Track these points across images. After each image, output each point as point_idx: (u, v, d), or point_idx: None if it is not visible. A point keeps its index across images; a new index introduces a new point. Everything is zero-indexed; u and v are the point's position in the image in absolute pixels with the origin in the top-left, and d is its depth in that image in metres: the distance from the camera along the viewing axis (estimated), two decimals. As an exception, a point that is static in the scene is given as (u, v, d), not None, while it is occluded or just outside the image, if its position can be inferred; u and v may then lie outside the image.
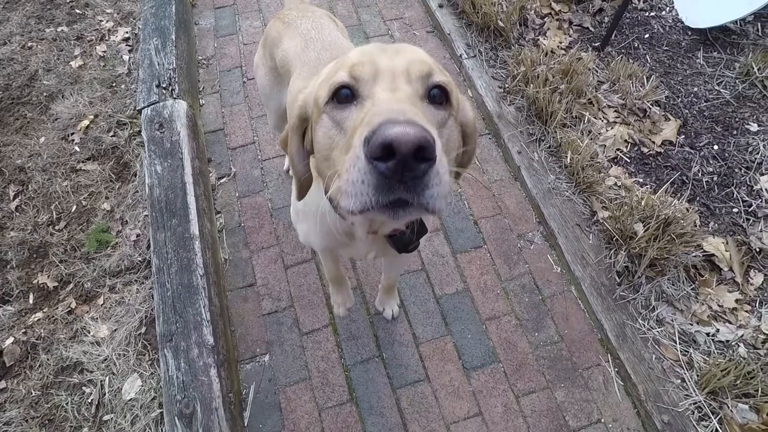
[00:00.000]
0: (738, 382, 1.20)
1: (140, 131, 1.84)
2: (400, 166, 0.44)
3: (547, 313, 1.48)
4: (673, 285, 1.43)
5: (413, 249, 0.85)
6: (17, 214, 1.75)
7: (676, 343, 1.33)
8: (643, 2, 2.29)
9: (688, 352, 1.31)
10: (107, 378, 1.40)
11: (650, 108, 1.87)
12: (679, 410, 1.22)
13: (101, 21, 2.35)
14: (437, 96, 0.59)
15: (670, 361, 1.31)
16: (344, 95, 0.57)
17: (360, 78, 0.57)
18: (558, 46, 2.08)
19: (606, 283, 1.46)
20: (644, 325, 1.37)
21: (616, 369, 1.36)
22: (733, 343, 1.31)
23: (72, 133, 1.94)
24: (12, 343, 1.47)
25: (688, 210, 1.52)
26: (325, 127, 0.60)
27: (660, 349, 1.33)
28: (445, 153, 0.55)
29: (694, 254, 1.45)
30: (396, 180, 0.45)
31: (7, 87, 2.11)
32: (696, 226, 1.51)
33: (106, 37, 2.28)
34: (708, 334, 1.33)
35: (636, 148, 1.79)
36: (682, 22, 2.18)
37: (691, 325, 1.36)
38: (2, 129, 1.99)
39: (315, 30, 1.16)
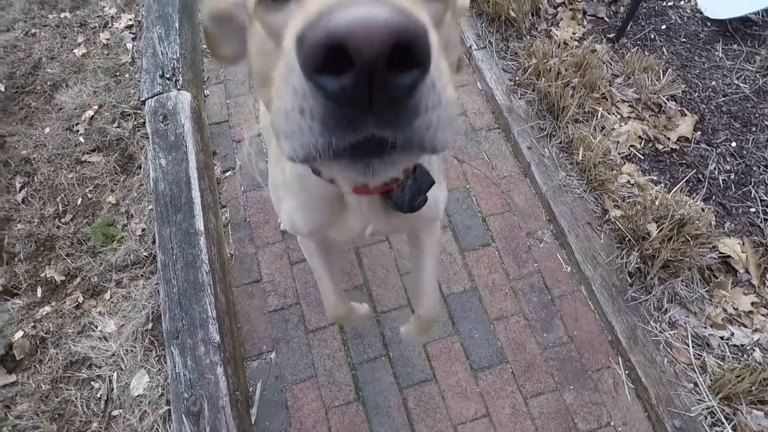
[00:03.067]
0: (753, 388, 1.18)
1: (144, 122, 1.82)
2: (364, 81, 0.26)
3: (557, 313, 1.46)
4: (686, 287, 1.40)
5: (420, 205, 0.62)
6: (23, 206, 1.74)
7: (688, 346, 1.31)
8: (662, -9, 2.21)
9: (701, 355, 1.29)
10: (115, 373, 1.40)
11: (666, 103, 1.81)
12: (691, 415, 1.20)
13: (104, 7, 2.31)
14: None
15: (683, 365, 1.29)
16: None
17: None
18: (571, 38, 2.02)
19: (617, 283, 1.44)
20: (656, 328, 1.35)
21: (627, 372, 1.34)
22: (748, 348, 1.29)
23: (76, 124, 1.92)
24: (21, 336, 1.48)
25: (703, 210, 1.48)
26: (257, 39, 0.43)
27: (672, 352, 1.31)
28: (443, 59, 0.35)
29: (709, 255, 1.42)
30: (360, 108, 0.27)
31: (11, 75, 2.08)
32: (711, 226, 1.48)
33: (110, 24, 2.24)
34: (722, 338, 1.31)
35: (650, 145, 1.75)
36: (701, 13, 2.10)
37: (705, 328, 1.33)
38: (7, 119, 1.97)
39: None
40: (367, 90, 0.26)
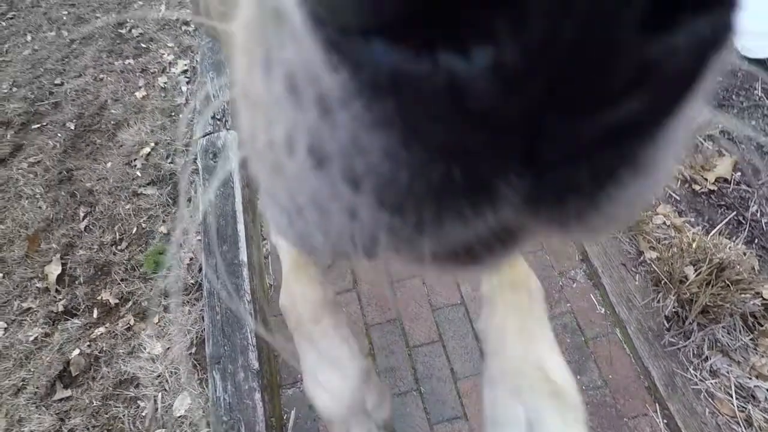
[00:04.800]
0: (803, 446, 1.12)
1: (196, 159, 1.98)
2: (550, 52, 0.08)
3: (590, 355, 1.44)
4: (728, 334, 1.36)
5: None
6: (86, 233, 1.91)
7: (732, 397, 1.26)
8: (694, 31, 2.23)
9: (746, 408, 1.24)
10: (160, 394, 1.49)
11: (702, 143, 1.80)
12: (736, 472, 1.15)
13: (163, 54, 2.56)
14: None
15: (726, 417, 1.24)
16: None
17: None
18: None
19: (654, 327, 1.41)
20: (696, 375, 1.31)
21: (665, 421, 1.30)
22: (797, 402, 1.23)
23: (135, 159, 2.11)
24: (78, 354, 1.60)
25: (745, 254, 1.45)
26: None
27: (714, 402, 1.26)
28: None
29: (752, 302, 1.38)
30: (509, 134, 0.10)
31: (80, 116, 2.33)
32: (755, 271, 1.44)
33: (167, 70, 2.47)
34: (768, 390, 1.26)
35: (686, 186, 1.73)
36: (738, 52, 2.09)
37: (750, 378, 1.28)
38: (75, 154, 2.19)
39: None
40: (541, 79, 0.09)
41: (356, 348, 0.57)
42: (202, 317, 1.56)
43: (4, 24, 2.85)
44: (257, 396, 1.36)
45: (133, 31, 2.68)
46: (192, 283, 1.69)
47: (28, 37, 2.75)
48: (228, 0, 0.20)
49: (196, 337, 1.56)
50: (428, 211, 0.11)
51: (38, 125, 2.30)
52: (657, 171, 0.12)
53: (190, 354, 1.54)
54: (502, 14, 0.08)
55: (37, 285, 1.78)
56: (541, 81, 0.09)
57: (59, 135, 2.25)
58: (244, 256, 1.59)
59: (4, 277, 1.80)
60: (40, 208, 1.99)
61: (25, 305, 1.73)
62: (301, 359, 0.55)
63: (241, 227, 1.65)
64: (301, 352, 0.55)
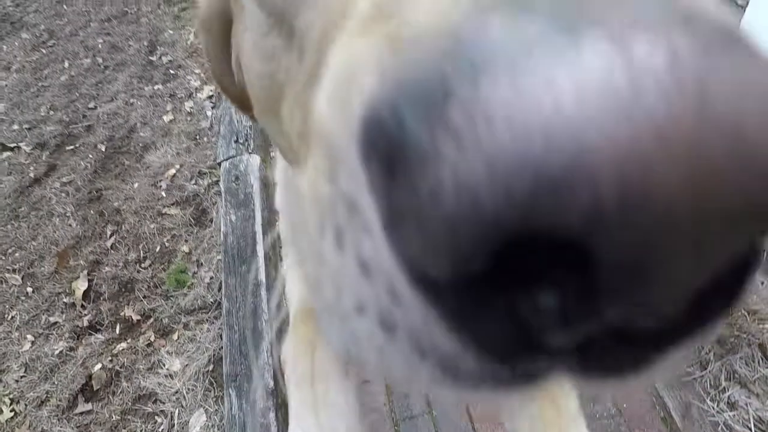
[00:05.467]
0: (827, 484, 1.09)
1: (218, 181, 2.06)
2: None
3: (604, 383, 1.43)
4: (746, 365, 1.34)
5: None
6: (112, 251, 1.99)
7: (750, 430, 1.23)
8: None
9: (765, 442, 1.21)
10: (177, 410, 1.52)
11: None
12: None
13: (190, 80, 2.70)
14: None
15: (745, 451, 1.21)
16: None
17: None
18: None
19: (669, 356, 1.40)
20: (713, 407, 1.29)
21: (682, 453, 1.28)
22: (819, 438, 1.20)
23: (160, 180, 2.21)
24: (100, 369, 1.66)
25: (762, 283, 1.44)
26: (254, 32, 0.26)
27: (732, 435, 1.24)
28: None
29: (769, 332, 1.37)
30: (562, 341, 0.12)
31: (110, 138, 2.46)
32: (771, 301, 1.42)
33: (193, 95, 2.61)
34: (789, 425, 1.23)
35: (700, 212, 1.73)
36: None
37: (769, 411, 1.26)
38: (105, 175, 2.30)
39: None
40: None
41: (356, 408, 0.49)
42: (221, 335, 1.60)
43: (44, 51, 3.05)
44: (271, 415, 1.38)
45: (163, 58, 2.84)
46: (211, 302, 1.74)
47: (66, 64, 2.93)
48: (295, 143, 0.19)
49: (214, 355, 1.60)
50: (483, 385, 0.13)
51: (72, 147, 2.43)
52: (691, 347, 0.13)
53: (208, 371, 1.58)
54: (573, 276, 0.09)
55: (65, 300, 1.85)
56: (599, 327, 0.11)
57: (90, 156, 2.37)
58: (262, 276, 1.64)
59: (34, 292, 1.88)
60: (70, 225, 2.08)
61: (52, 319, 1.80)
62: (289, 404, 0.48)
63: (260, 248, 1.71)
64: (291, 396, 0.48)
